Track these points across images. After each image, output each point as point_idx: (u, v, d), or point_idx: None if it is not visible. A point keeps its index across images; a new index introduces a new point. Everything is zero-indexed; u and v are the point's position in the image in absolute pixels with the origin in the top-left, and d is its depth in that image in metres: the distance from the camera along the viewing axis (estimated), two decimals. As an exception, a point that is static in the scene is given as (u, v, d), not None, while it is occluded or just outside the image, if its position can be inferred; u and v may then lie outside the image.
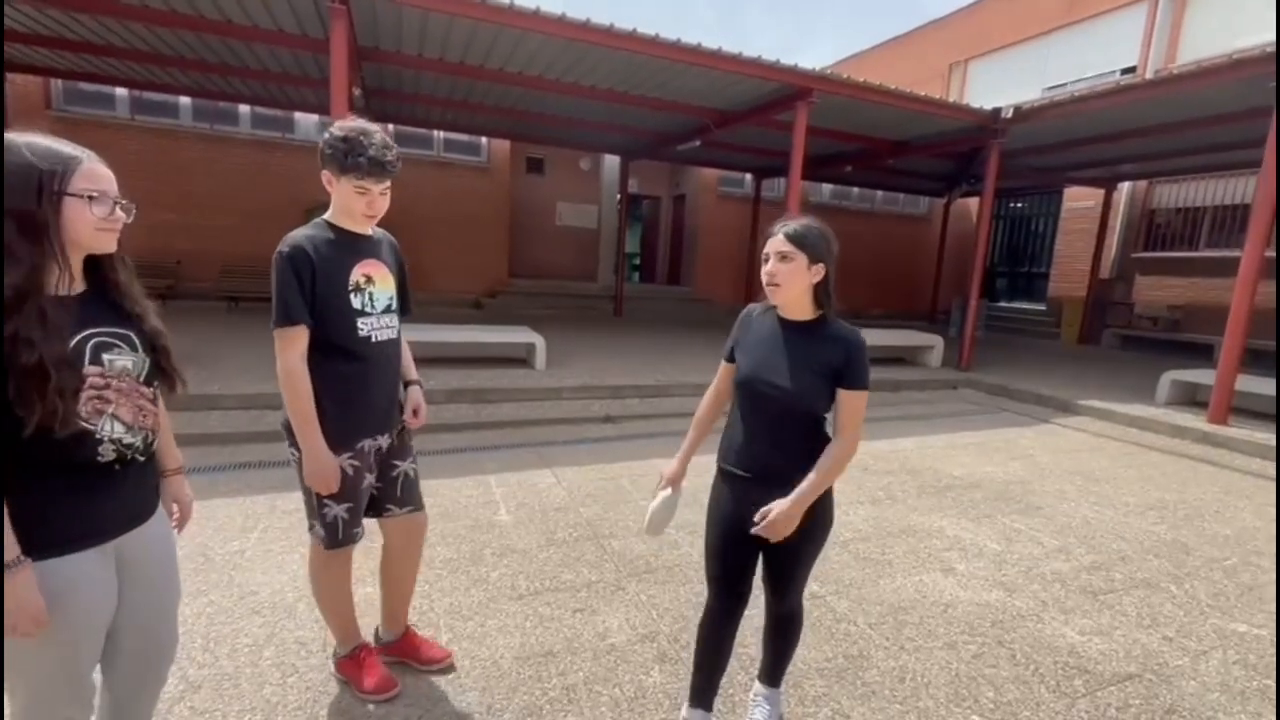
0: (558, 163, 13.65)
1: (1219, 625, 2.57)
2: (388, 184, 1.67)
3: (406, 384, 1.95)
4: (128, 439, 1.18)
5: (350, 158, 1.58)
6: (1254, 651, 2.39)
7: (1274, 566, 3.11)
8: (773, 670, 1.88)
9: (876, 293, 14.62)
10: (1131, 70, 11.05)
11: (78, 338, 1.11)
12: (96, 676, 1.27)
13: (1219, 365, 5.77)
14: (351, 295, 1.69)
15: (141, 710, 1.39)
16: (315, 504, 1.76)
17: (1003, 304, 14.23)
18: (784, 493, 1.60)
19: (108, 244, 1.16)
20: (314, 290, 1.62)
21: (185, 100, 9.59)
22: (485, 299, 11.65)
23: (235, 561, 2.67)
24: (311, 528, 1.81)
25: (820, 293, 1.59)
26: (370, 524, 1.93)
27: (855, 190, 14.48)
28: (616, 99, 7.51)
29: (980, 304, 8.62)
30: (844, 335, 1.57)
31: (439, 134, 11.04)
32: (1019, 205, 14.52)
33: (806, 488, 1.53)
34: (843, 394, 1.56)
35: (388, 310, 1.80)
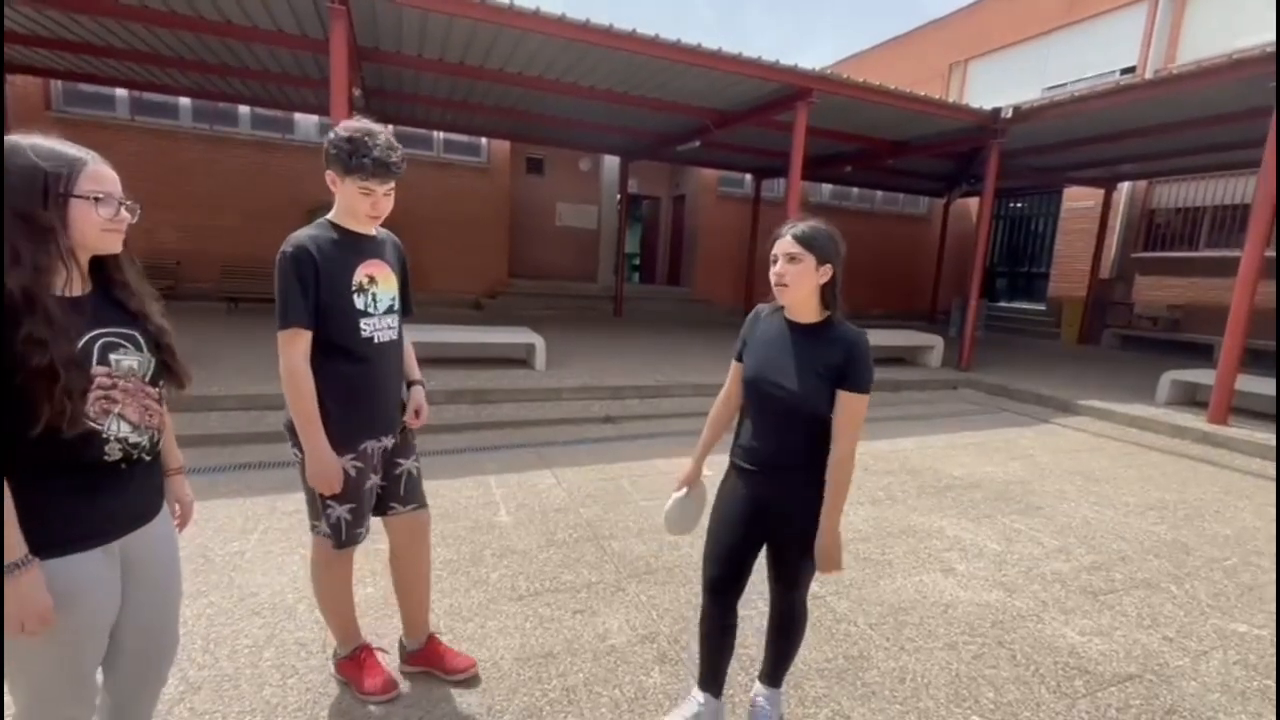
0: (557, 163, 13.65)
1: (1219, 625, 2.57)
2: (392, 185, 1.67)
3: (409, 384, 1.95)
4: (134, 438, 1.19)
5: (355, 158, 1.58)
6: (1254, 652, 2.39)
7: (1274, 566, 3.11)
8: (773, 671, 1.88)
9: (876, 293, 14.62)
10: (1131, 70, 11.05)
11: (85, 338, 1.11)
12: (97, 676, 1.27)
13: (1219, 365, 5.77)
14: (355, 296, 1.69)
15: (142, 711, 1.40)
16: (319, 505, 1.76)
17: (1003, 304, 14.23)
18: (789, 488, 1.65)
19: (113, 244, 1.17)
20: (317, 290, 1.62)
21: (185, 101, 9.59)
22: (485, 299, 11.65)
23: (235, 563, 2.67)
24: (314, 528, 1.81)
25: (827, 294, 1.60)
26: (373, 526, 1.93)
27: (855, 190, 14.48)
28: (616, 99, 7.52)
29: (980, 304, 8.62)
30: (849, 337, 1.58)
31: (439, 134, 11.05)
32: (1019, 205, 14.52)
33: (831, 509, 1.58)
34: (841, 395, 1.56)
35: (390, 311, 1.79)
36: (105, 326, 1.16)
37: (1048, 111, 7.41)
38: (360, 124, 1.62)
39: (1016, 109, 7.54)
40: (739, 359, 1.78)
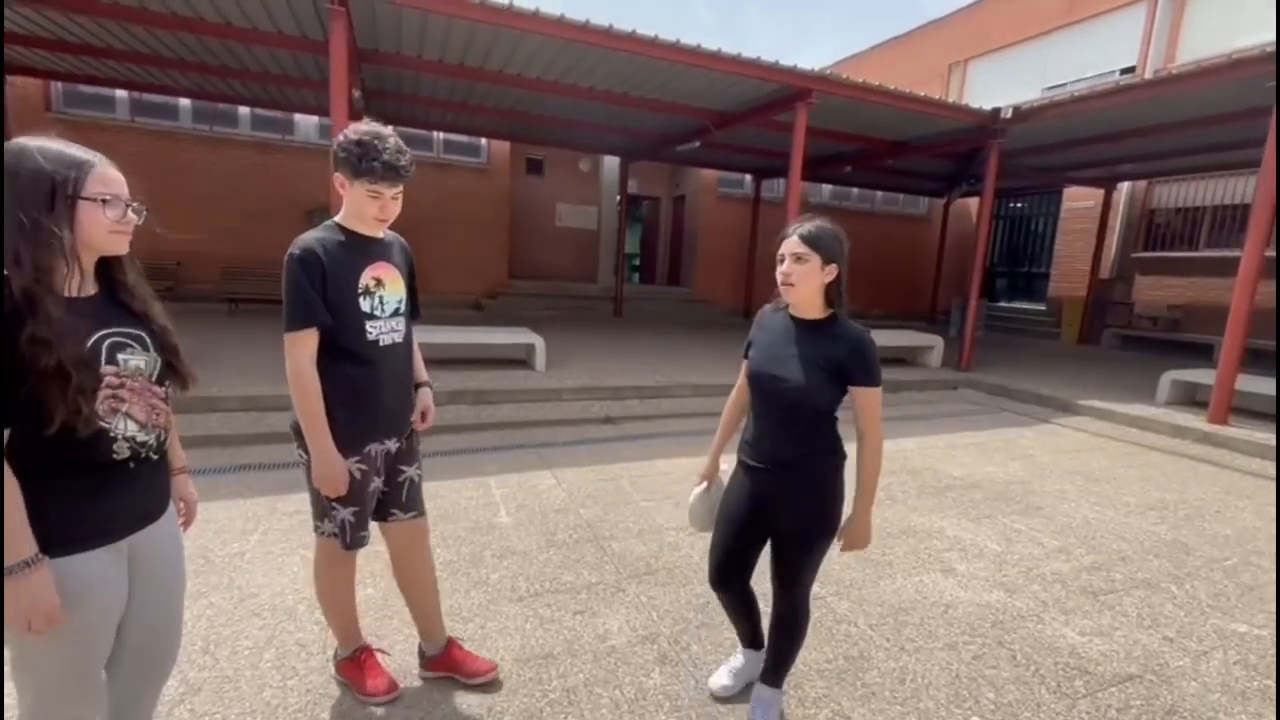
0: (557, 164, 13.65)
1: (1220, 625, 2.57)
2: (400, 188, 1.67)
3: (416, 386, 1.95)
4: (141, 437, 1.21)
5: (364, 162, 1.58)
6: (1255, 652, 2.39)
7: (1274, 566, 3.11)
8: (774, 671, 1.88)
9: (876, 293, 14.62)
10: (1131, 70, 11.06)
11: (94, 338, 1.13)
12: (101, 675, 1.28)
13: (1219, 365, 5.77)
14: (361, 298, 1.69)
15: (143, 710, 1.40)
16: (324, 507, 1.76)
17: (1003, 304, 14.23)
18: (793, 483, 1.71)
19: (120, 246, 1.18)
20: (324, 293, 1.63)
21: (185, 102, 9.60)
22: (485, 300, 11.65)
23: (235, 564, 2.67)
24: (318, 529, 1.81)
25: (832, 292, 1.66)
26: (372, 529, 1.92)
27: (855, 191, 14.48)
28: (616, 100, 7.52)
29: (980, 304, 8.62)
30: (853, 334, 1.64)
31: (439, 135, 11.05)
32: (1019, 205, 14.52)
33: (867, 493, 1.70)
34: (856, 392, 1.65)
35: (396, 313, 1.79)
36: (112, 326, 1.18)
37: (1047, 111, 7.41)
38: (369, 127, 1.62)
39: (1016, 109, 7.54)
40: (747, 356, 1.83)
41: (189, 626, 2.17)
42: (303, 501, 3.28)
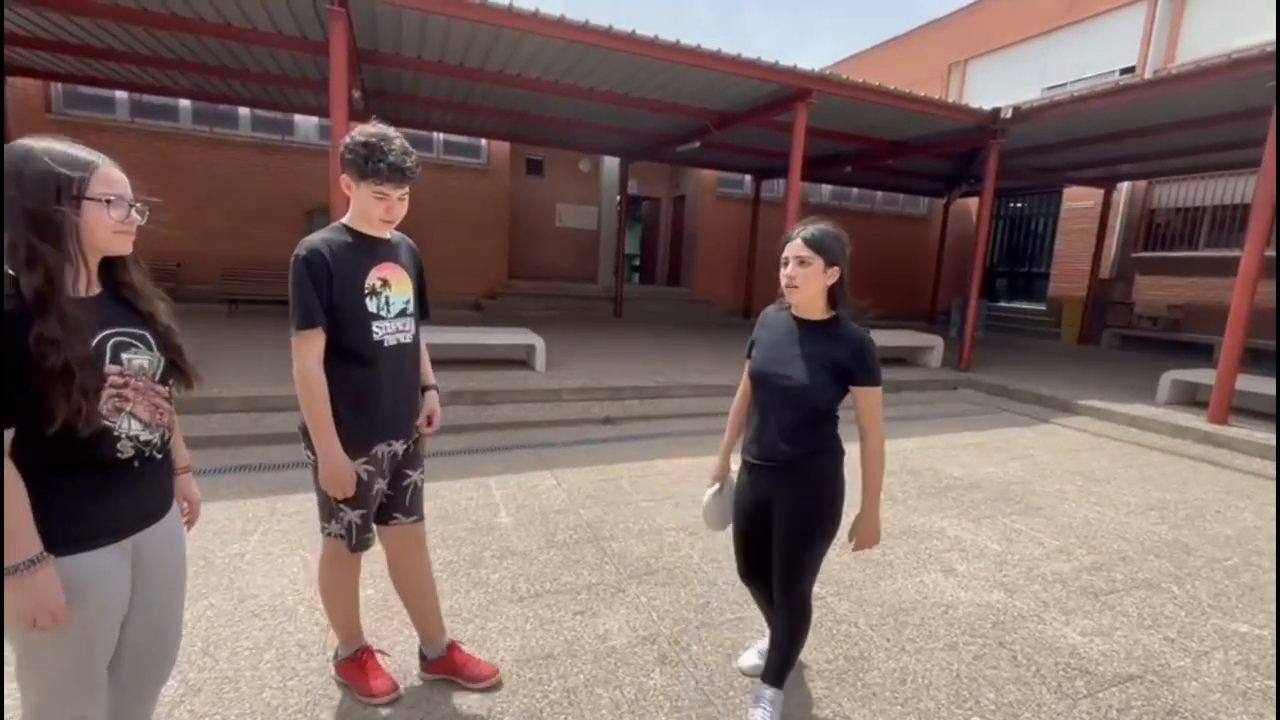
0: (557, 164, 13.66)
1: (1220, 626, 2.57)
2: (406, 190, 1.68)
3: (424, 389, 1.95)
4: (145, 436, 1.22)
5: (371, 163, 1.58)
6: (1255, 652, 2.39)
7: (1274, 566, 3.11)
8: (776, 671, 1.89)
9: (876, 293, 14.23)
10: (1131, 70, 11.06)
11: (98, 337, 1.14)
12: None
13: (1219, 365, 5.77)
14: (367, 299, 1.69)
15: (144, 709, 1.41)
16: (331, 508, 1.76)
17: (1003, 304, 14.23)
18: (795, 481, 1.75)
19: (124, 246, 1.20)
20: (330, 293, 1.63)
21: (185, 103, 9.60)
22: (485, 300, 11.65)
23: (235, 564, 2.67)
24: (325, 530, 1.81)
25: (835, 293, 1.71)
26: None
27: (855, 191, 14.48)
28: (616, 100, 7.52)
29: (980, 304, 8.62)
30: (853, 334, 1.69)
31: (439, 136, 11.06)
32: (1019, 205, 14.53)
33: (873, 491, 1.75)
34: (857, 392, 1.69)
35: (403, 314, 1.79)
36: (116, 326, 1.19)
37: (1047, 112, 7.42)
38: (376, 129, 1.63)
39: (1016, 109, 7.54)
40: (750, 355, 1.87)
41: (189, 627, 2.17)
42: (302, 502, 3.30)
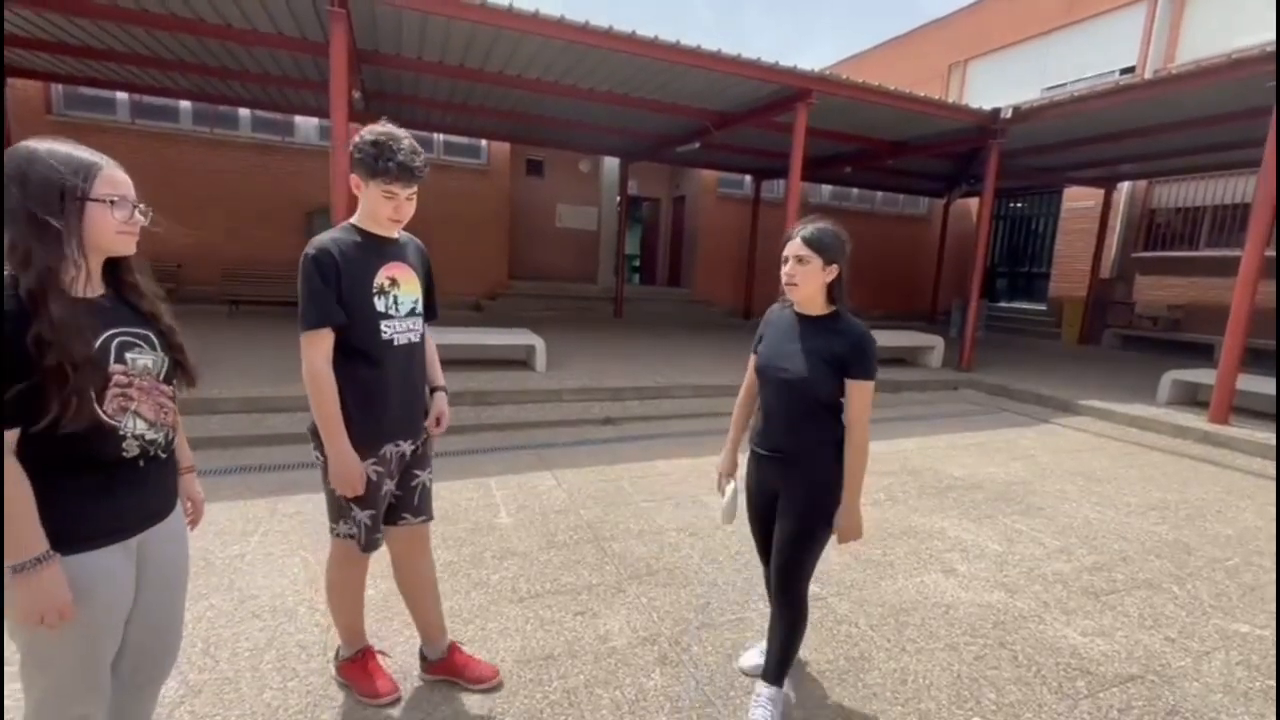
0: (557, 165, 13.66)
1: (1221, 626, 2.56)
2: (414, 189, 1.69)
3: (432, 390, 1.95)
4: (150, 435, 1.23)
5: (380, 162, 1.59)
6: (1256, 652, 2.39)
7: (1275, 566, 3.11)
8: (775, 668, 1.89)
9: (876, 293, 14.62)
10: (1131, 70, 11.06)
11: (103, 337, 1.15)
12: None
13: (1220, 365, 5.77)
14: (376, 298, 1.70)
15: (144, 708, 1.41)
16: (342, 508, 1.76)
17: (1003, 304, 14.23)
18: (797, 470, 1.80)
19: (127, 246, 1.20)
20: (339, 292, 1.63)
21: (185, 104, 9.61)
22: (485, 301, 11.65)
23: (236, 565, 2.67)
24: (334, 530, 1.81)
25: (834, 290, 1.76)
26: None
27: (855, 191, 14.48)
28: (616, 101, 7.52)
29: (980, 304, 8.61)
30: (853, 329, 1.74)
31: (439, 136, 11.06)
32: (1019, 205, 14.52)
33: (850, 487, 1.75)
34: (849, 385, 1.72)
35: (411, 313, 1.79)
36: (120, 326, 1.20)
37: (1047, 112, 7.42)
38: (384, 128, 1.63)
39: (1016, 109, 7.54)
40: (756, 352, 1.92)
41: (190, 628, 2.16)
42: (303, 503, 3.30)
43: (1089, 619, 2.56)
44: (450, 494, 3.54)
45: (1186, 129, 7.58)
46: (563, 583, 2.66)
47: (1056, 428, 5.92)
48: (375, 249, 1.72)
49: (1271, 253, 7.26)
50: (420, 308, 1.83)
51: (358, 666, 1.93)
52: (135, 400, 1.19)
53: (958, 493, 4.00)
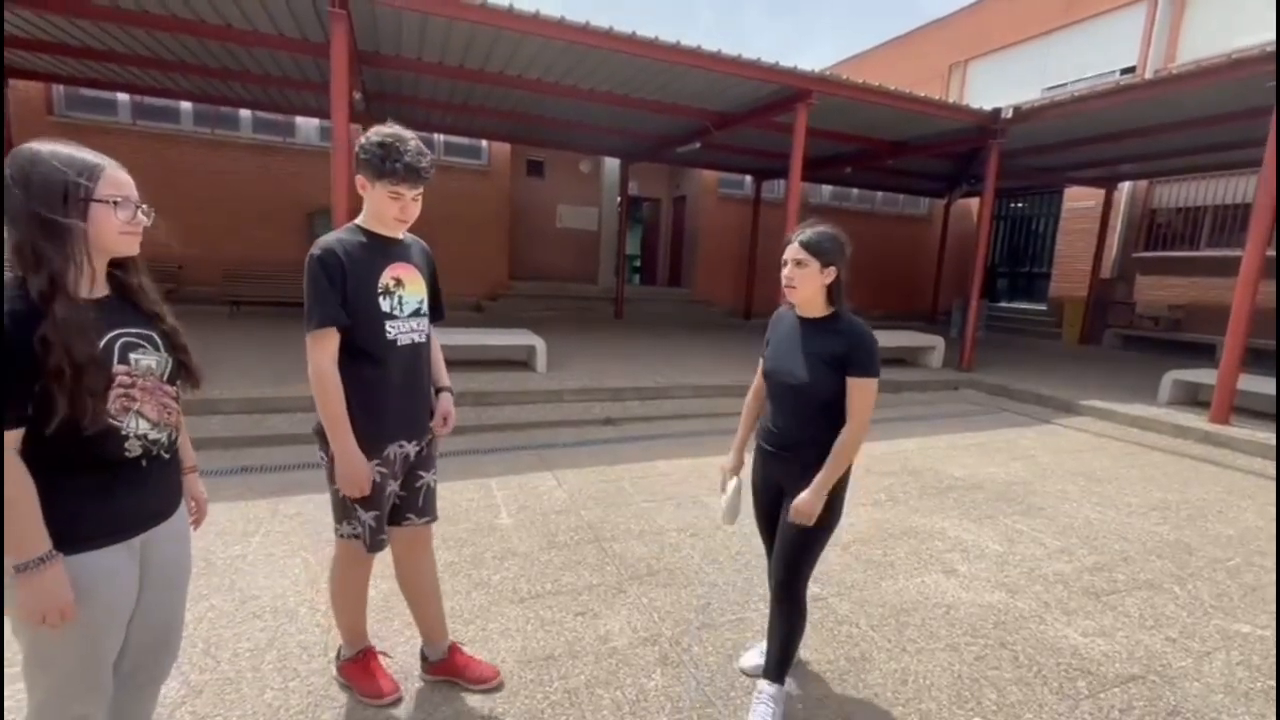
0: (558, 165, 13.66)
1: (1222, 626, 2.56)
2: (420, 190, 1.69)
3: (437, 390, 1.95)
4: (153, 435, 1.23)
5: (386, 163, 1.60)
6: (1258, 652, 2.39)
7: (1275, 567, 3.10)
8: (776, 666, 1.90)
9: (877, 293, 14.61)
10: (1131, 70, 11.05)
11: (107, 338, 1.16)
12: None
13: (1221, 365, 5.76)
14: (381, 298, 1.70)
15: (144, 708, 1.42)
16: (347, 509, 1.76)
17: (1003, 304, 14.22)
18: (802, 468, 1.80)
19: (131, 247, 1.21)
20: (344, 292, 1.64)
21: (186, 105, 9.62)
22: (486, 302, 11.66)
23: (237, 566, 2.67)
24: (338, 531, 1.81)
25: (833, 292, 1.79)
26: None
27: (855, 191, 14.47)
28: (616, 101, 7.52)
29: (981, 304, 8.61)
30: (852, 328, 1.77)
31: (439, 137, 11.06)
32: (1019, 205, 14.52)
33: (824, 474, 1.75)
34: (849, 381, 1.74)
35: (416, 314, 1.80)
36: (124, 327, 1.20)
37: (1048, 112, 7.41)
38: (391, 129, 1.64)
39: (1016, 109, 7.54)
40: (764, 355, 1.96)
41: (190, 628, 2.17)
42: (304, 504, 3.30)
43: (1090, 619, 2.56)
44: (451, 494, 3.54)
45: (1187, 129, 7.57)
46: (563, 583, 2.66)
47: (1057, 428, 5.92)
48: (381, 249, 1.72)
49: (1272, 253, 7.25)
50: (425, 308, 1.83)
51: (359, 667, 1.93)
52: (138, 400, 1.20)
53: (958, 493, 4.00)
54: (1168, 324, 10.81)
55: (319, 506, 3.25)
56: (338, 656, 1.98)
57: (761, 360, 1.96)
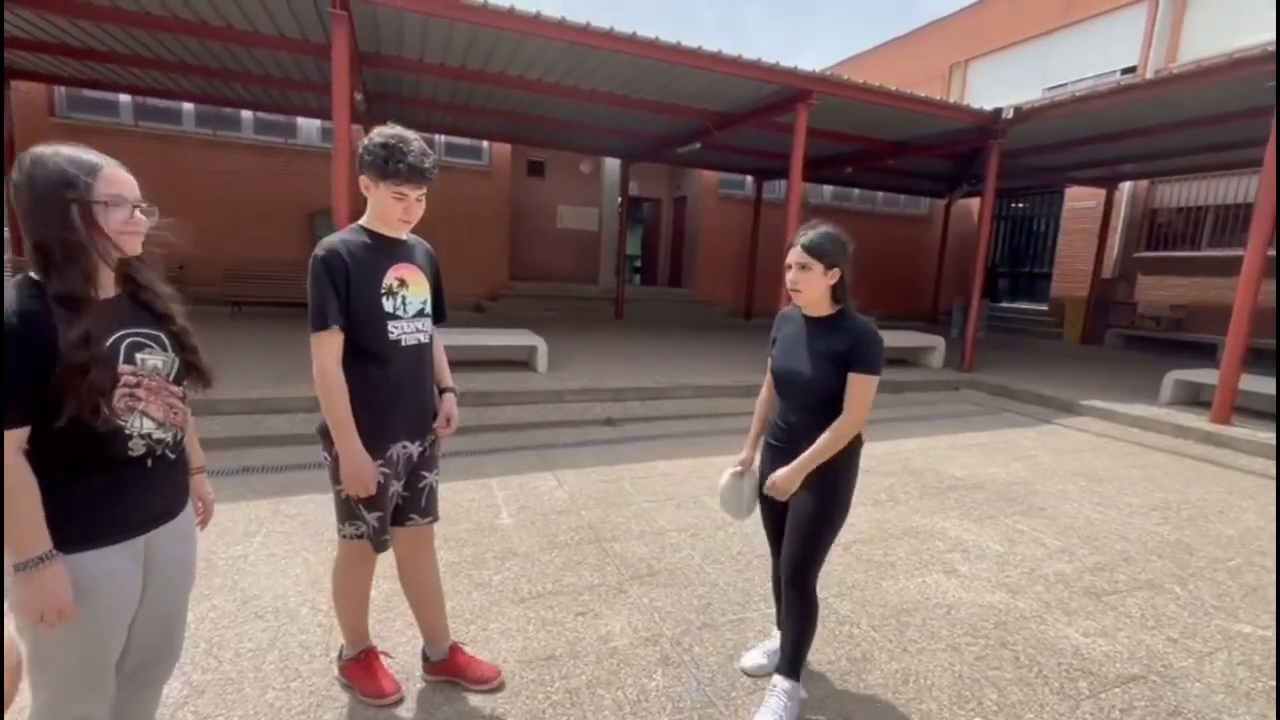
0: (558, 166, 13.67)
1: (1223, 626, 2.56)
2: (424, 190, 1.70)
3: (441, 391, 1.96)
4: (158, 435, 1.24)
5: (390, 164, 1.60)
6: (1259, 653, 2.38)
7: (1276, 567, 3.10)
8: (790, 661, 1.91)
9: (878, 294, 14.60)
10: (1132, 70, 11.05)
11: (113, 338, 1.16)
12: None
13: (1222, 365, 5.76)
14: (384, 299, 1.71)
15: (146, 708, 1.42)
16: (351, 509, 1.76)
17: (1004, 304, 14.21)
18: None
19: (131, 246, 1.21)
20: (348, 292, 1.64)
21: (188, 106, 9.63)
22: (486, 302, 11.66)
23: (238, 566, 2.67)
24: (341, 532, 1.81)
25: (837, 291, 1.82)
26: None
27: (856, 191, 14.47)
28: (617, 102, 7.53)
29: (982, 304, 8.61)
30: (855, 326, 1.80)
31: (440, 137, 11.07)
32: (1020, 205, 14.51)
33: (808, 455, 1.79)
34: (850, 375, 1.77)
35: (420, 314, 1.80)
36: (132, 327, 1.21)
37: (1049, 112, 7.41)
38: (394, 130, 1.65)
39: (1017, 109, 7.54)
40: (772, 354, 2.00)
41: (192, 628, 2.17)
42: (305, 504, 3.31)
43: (1091, 619, 2.56)
44: (452, 495, 3.54)
45: (1188, 129, 7.57)
46: (564, 583, 2.66)
47: (1058, 428, 5.92)
48: (384, 250, 1.73)
49: (1273, 252, 7.23)
50: (428, 309, 1.84)
51: (361, 667, 1.93)
52: (143, 400, 1.20)
53: (959, 493, 4.00)
54: (1169, 324, 10.80)
55: (320, 507, 3.26)
56: (339, 656, 1.99)
57: (770, 359, 1.99)
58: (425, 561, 1.98)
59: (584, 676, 2.07)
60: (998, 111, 7.63)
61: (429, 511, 1.93)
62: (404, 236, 1.79)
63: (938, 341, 8.44)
